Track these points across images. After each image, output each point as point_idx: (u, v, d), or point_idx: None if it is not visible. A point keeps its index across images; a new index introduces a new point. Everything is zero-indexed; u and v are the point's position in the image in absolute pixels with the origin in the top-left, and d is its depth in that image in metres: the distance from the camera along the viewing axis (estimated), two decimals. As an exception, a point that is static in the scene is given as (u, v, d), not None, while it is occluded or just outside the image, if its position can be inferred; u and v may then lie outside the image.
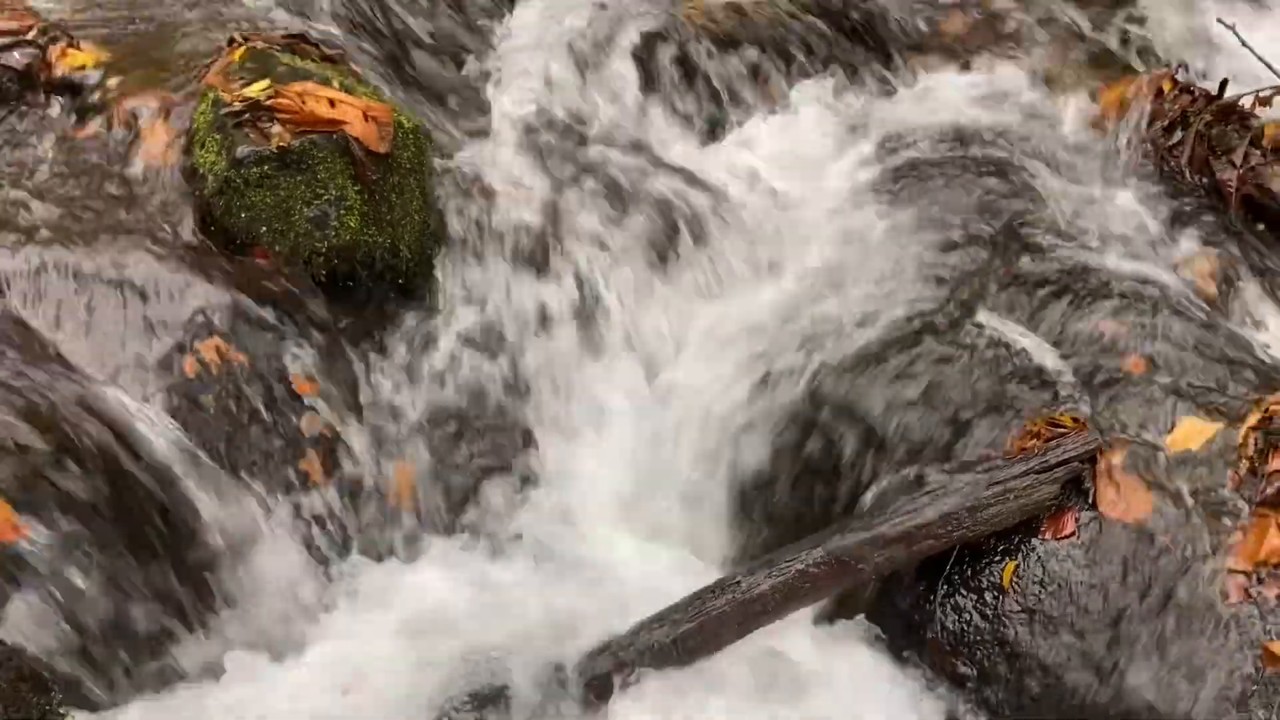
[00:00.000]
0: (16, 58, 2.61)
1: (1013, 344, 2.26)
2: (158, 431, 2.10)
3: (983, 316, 2.30)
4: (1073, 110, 2.86)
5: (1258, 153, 2.67)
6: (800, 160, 2.73)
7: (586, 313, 2.55)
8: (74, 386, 2.07)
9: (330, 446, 2.30)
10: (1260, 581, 1.92)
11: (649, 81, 2.95)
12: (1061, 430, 2.08)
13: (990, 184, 2.57)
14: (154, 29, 2.83)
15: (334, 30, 2.91)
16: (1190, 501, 2.04)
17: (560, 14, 3.05)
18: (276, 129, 2.34)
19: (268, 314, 2.29)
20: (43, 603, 1.92)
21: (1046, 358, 2.24)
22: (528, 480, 2.40)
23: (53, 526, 1.96)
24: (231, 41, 2.60)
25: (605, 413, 2.44)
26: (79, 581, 1.96)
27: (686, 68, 2.99)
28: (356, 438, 2.34)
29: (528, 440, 2.42)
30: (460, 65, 3.02)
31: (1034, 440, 2.08)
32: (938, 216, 2.49)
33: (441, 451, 2.38)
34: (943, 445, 2.16)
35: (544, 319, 2.54)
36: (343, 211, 2.36)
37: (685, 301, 2.53)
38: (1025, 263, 2.41)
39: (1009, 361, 2.23)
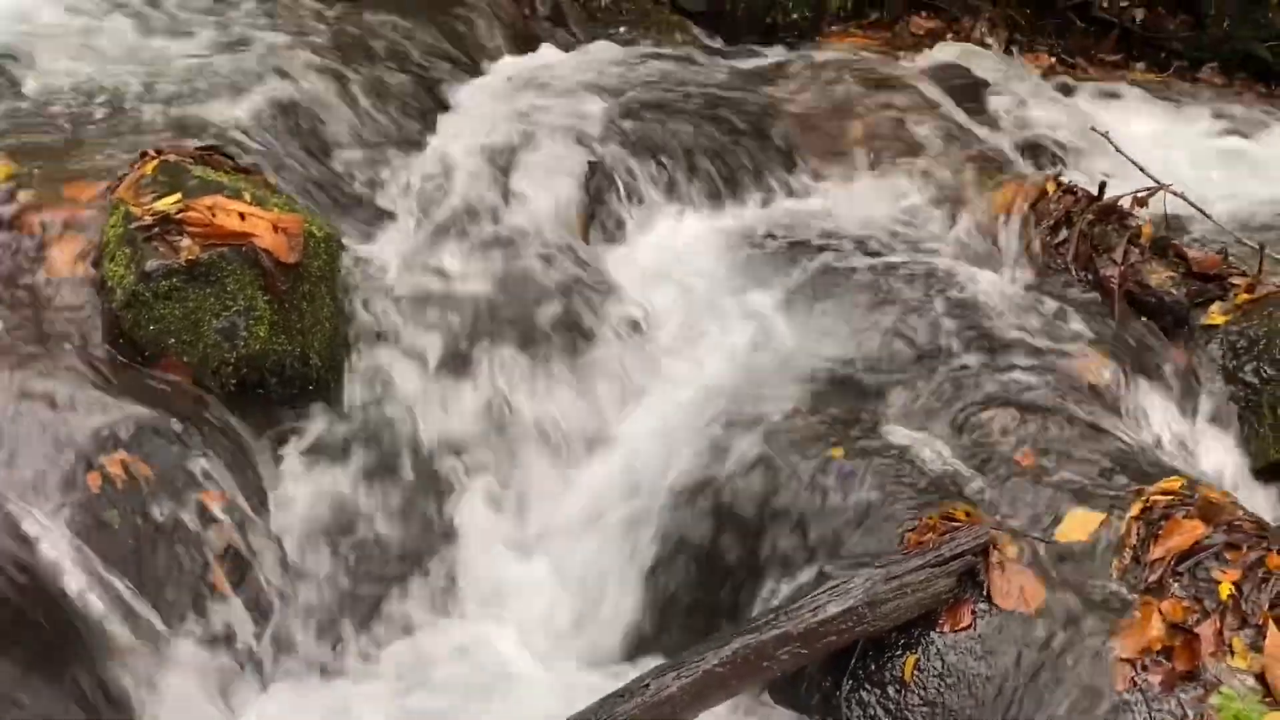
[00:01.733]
0: (-76, 174, 2.62)
1: (906, 441, 2.34)
2: (61, 549, 2.07)
3: (878, 415, 2.38)
4: (965, 212, 2.99)
5: (1136, 250, 2.81)
6: (699, 265, 2.81)
7: (495, 416, 2.59)
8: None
9: (237, 559, 2.29)
10: (1145, 669, 1.98)
11: (561, 185, 3.04)
12: (955, 524, 2.15)
13: (885, 287, 2.68)
14: (68, 141, 2.86)
15: (251, 140, 2.97)
16: (1079, 591, 2.11)
17: (482, 124, 3.15)
18: (185, 242, 2.37)
19: (175, 425, 2.29)
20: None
21: (940, 453, 2.32)
22: (437, 591, 2.40)
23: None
24: (144, 154, 2.64)
25: (518, 519, 2.47)
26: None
27: (594, 173, 3.09)
28: (264, 549, 2.33)
29: (438, 550, 2.43)
30: (379, 170, 3.09)
31: (930, 534, 2.15)
32: (832, 322, 2.58)
33: (350, 562, 2.39)
34: (843, 542, 2.22)
35: (455, 422, 2.57)
36: (251, 322, 2.39)
37: (591, 407, 2.57)
38: (918, 361, 2.50)
39: (904, 458, 2.31)
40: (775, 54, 3.82)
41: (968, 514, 2.18)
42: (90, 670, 2.05)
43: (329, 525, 2.41)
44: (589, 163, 3.10)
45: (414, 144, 3.19)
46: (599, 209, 3.01)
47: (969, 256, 2.84)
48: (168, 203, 2.45)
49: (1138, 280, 2.78)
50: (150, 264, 2.36)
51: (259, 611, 2.29)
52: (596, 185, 3.05)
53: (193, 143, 2.76)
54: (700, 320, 2.65)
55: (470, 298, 2.72)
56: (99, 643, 2.07)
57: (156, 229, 2.40)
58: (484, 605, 2.41)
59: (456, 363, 2.63)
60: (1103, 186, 2.95)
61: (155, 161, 2.60)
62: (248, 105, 3.09)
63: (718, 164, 3.12)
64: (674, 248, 2.87)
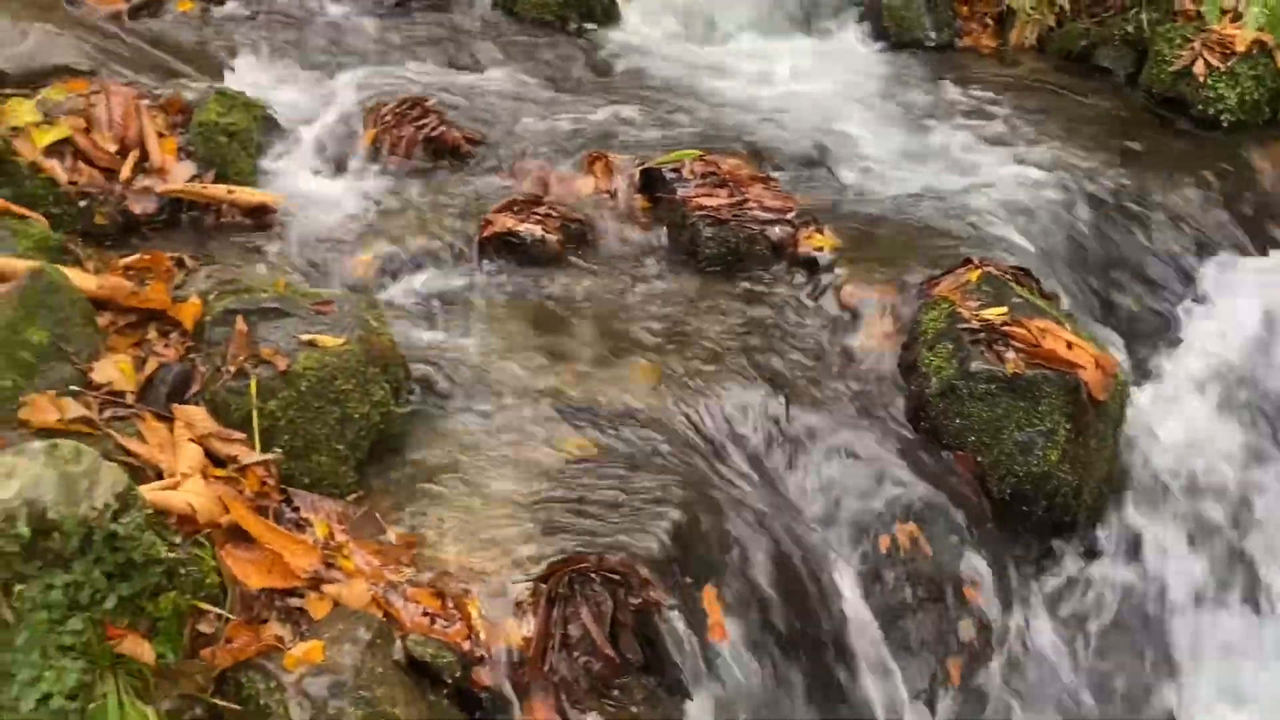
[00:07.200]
0: (776, 232, 3.05)
1: None
2: (851, 592, 2.30)
3: None
4: None
5: None
6: None
7: (1248, 594, 2.47)
8: (792, 528, 2.33)
9: (973, 656, 2.38)
10: None
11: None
12: None
13: None
14: (880, 230, 3.19)
15: (1029, 249, 3.12)
16: None
17: (1233, 312, 3.05)
18: (1011, 355, 2.53)
19: (957, 517, 2.44)
20: (719, 698, 2.14)
21: None
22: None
23: (747, 637, 2.19)
24: (967, 261, 2.86)
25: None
26: (756, 689, 2.16)
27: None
28: (997, 656, 2.41)
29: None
30: (1146, 321, 3.09)
31: None
32: None
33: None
34: None
35: (1200, 594, 2.49)
36: (1049, 444, 2.48)
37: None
38: None
39: None
40: None
41: None
42: (844, 705, 2.23)
43: (1059, 660, 2.44)
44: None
45: (1204, 278, 3.15)
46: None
47: None
48: (995, 313, 2.63)
49: None
50: (975, 365, 2.54)
51: (973, 711, 2.36)
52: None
53: (1008, 260, 2.95)
54: None
55: (1253, 462, 2.63)
56: (857, 683, 2.25)
57: (983, 335, 2.59)
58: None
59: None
60: None
61: (979, 271, 2.80)
62: (1033, 229, 3.25)
63: None
64: None
